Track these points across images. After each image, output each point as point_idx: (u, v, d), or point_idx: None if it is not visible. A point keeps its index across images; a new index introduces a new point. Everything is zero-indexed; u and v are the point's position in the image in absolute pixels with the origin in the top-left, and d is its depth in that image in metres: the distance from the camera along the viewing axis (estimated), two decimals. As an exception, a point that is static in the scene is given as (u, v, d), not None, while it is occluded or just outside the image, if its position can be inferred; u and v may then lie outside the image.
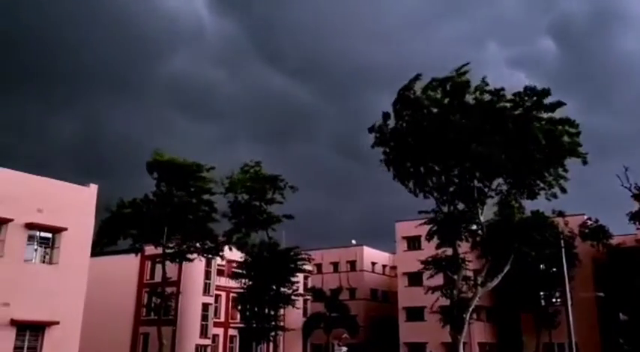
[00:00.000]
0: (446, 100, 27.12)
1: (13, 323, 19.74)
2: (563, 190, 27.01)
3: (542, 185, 27.19)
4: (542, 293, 47.24)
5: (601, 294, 38.56)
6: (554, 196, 27.19)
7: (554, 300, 47.10)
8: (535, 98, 25.95)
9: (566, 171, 26.73)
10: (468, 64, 26.71)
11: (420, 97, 27.30)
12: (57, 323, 20.73)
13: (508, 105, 26.41)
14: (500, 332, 53.49)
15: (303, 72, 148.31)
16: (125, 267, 49.79)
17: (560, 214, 32.09)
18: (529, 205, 30.79)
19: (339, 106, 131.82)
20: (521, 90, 26.24)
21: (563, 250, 29.35)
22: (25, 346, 20.24)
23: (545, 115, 26.22)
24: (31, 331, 20.45)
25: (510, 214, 28.88)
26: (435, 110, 27.18)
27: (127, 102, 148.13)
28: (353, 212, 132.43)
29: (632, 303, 47.09)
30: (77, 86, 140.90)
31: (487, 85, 26.75)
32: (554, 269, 42.64)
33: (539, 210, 32.21)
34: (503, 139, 26.10)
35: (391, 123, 28.45)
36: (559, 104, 25.78)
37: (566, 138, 25.98)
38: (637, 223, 41.68)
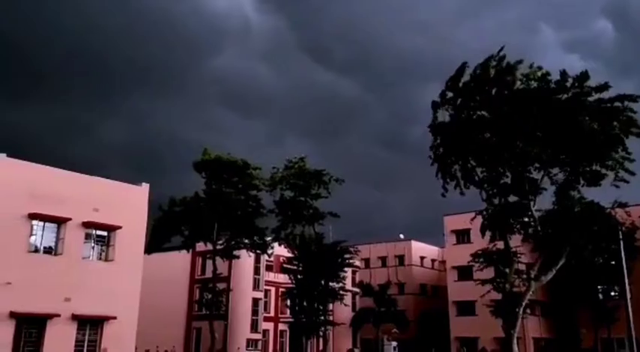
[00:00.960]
0: (493, 91, 26.34)
1: (74, 317, 20.58)
2: (630, 172, 25.64)
3: (604, 171, 25.90)
4: (599, 287, 45.61)
5: None
6: (624, 180, 25.80)
7: (612, 294, 45.39)
8: (576, 84, 24.86)
9: (629, 153, 25.37)
10: (502, 48, 25.78)
11: (468, 86, 26.59)
12: (114, 318, 21.49)
13: (555, 91, 25.33)
14: (556, 327, 52.03)
15: (349, 66, 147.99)
16: (177, 264, 51.03)
17: (621, 205, 30.63)
18: (592, 196, 29.67)
19: (386, 100, 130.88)
20: (574, 76, 25.14)
21: (621, 242, 28.15)
22: (86, 339, 21.08)
23: (594, 97, 25.06)
24: (90, 325, 21.28)
25: (570, 205, 27.77)
26: (483, 99, 26.45)
27: (175, 100, 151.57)
28: (401, 206, 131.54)
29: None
30: (127, 86, 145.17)
31: (540, 68, 25.74)
32: (613, 263, 41.11)
33: (594, 201, 30.96)
34: (553, 130, 25.10)
35: (440, 116, 27.86)
36: (606, 86, 24.60)
37: (624, 116, 24.73)
38: None
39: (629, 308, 27.01)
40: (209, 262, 42.41)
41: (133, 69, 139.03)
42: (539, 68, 25.66)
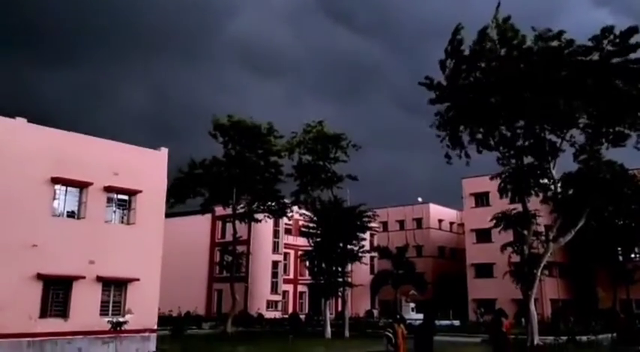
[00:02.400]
0: (502, 51, 25.72)
1: (99, 279, 21.11)
2: None
3: (628, 131, 25.40)
4: (619, 248, 45.37)
5: None
6: None
7: (632, 256, 45.17)
8: (617, 40, 23.98)
9: None
10: (499, 4, 25.13)
11: (474, 50, 26.05)
12: (137, 279, 21.99)
13: (580, 51, 24.61)
14: (574, 289, 52.12)
15: (370, 29, 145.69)
16: (198, 227, 51.93)
17: None
18: (612, 157, 29.21)
19: (407, 63, 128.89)
20: (598, 33, 24.34)
21: (643, 204, 27.83)
22: (111, 300, 21.65)
23: (629, 57, 24.28)
24: (115, 287, 21.82)
25: (595, 167, 27.36)
26: (492, 63, 25.91)
27: (194, 64, 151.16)
28: (420, 170, 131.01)
29: None
30: (147, 51, 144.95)
31: (549, 30, 25.01)
32: (634, 225, 40.74)
33: (617, 162, 30.44)
34: (578, 90, 24.50)
35: (443, 80, 27.42)
36: (638, 45, 23.80)
37: None
38: None
39: (649, 269, 26.85)
40: (229, 226, 43.00)
41: (152, 34, 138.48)
42: (549, 30, 25.01)
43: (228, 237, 42.46)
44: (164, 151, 24.82)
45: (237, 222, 39.15)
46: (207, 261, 52.60)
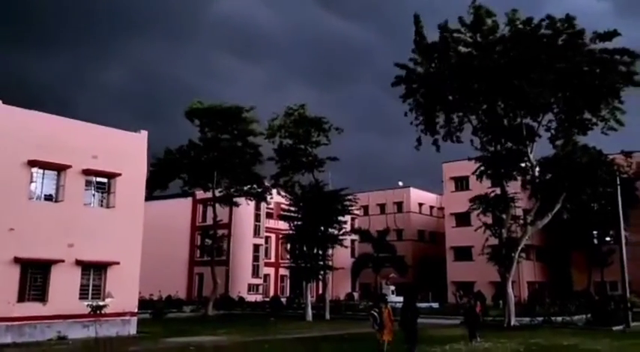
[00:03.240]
0: (478, 36, 25.94)
1: (78, 263, 20.92)
2: (620, 123, 25.75)
3: (595, 119, 25.98)
4: (594, 232, 46.30)
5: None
6: (613, 129, 25.95)
7: (607, 239, 46.13)
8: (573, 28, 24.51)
9: (621, 102, 25.37)
10: None
11: (445, 40, 26.27)
12: (117, 263, 21.85)
13: (546, 33, 24.98)
14: (550, 271, 53.17)
15: (356, 12, 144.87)
16: (178, 211, 51.70)
17: (627, 154, 30.76)
18: (589, 142, 29.77)
19: (391, 46, 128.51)
20: (560, 18, 24.77)
21: (619, 188, 28.35)
22: (90, 284, 21.51)
23: (598, 46, 24.72)
24: (94, 270, 21.66)
25: (572, 152, 27.84)
26: (465, 50, 26.15)
27: (177, 46, 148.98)
28: (402, 153, 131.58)
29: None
30: (128, 32, 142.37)
31: (530, 19, 25.32)
32: (610, 208, 41.61)
33: (594, 147, 31.00)
34: (542, 73, 24.88)
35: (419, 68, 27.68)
36: (615, 33, 24.19)
37: (622, 68, 24.51)
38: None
39: (623, 251, 27.48)
40: (210, 209, 42.90)
41: (135, 14, 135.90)
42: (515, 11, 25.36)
43: (209, 221, 42.38)
44: (144, 134, 24.55)
45: (218, 205, 39.05)
46: (188, 245, 52.47)
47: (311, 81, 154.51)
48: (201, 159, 37.14)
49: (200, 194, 46.11)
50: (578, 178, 27.49)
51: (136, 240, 23.11)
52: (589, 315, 27.88)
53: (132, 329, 22.31)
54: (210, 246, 40.36)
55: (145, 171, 24.71)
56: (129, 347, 18.06)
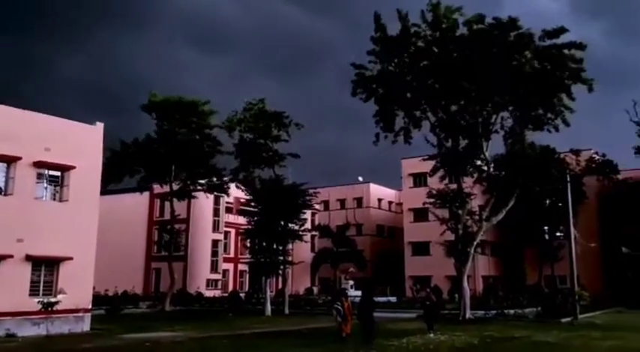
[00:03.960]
0: (437, 34, 26.39)
1: (29, 258, 20.26)
2: (566, 123, 26.66)
3: (548, 115, 26.79)
4: (546, 227, 47.82)
5: (589, 243, 39.25)
6: (556, 129, 26.89)
7: (558, 234, 47.71)
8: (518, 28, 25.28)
9: (572, 99, 26.22)
10: None
11: (403, 35, 26.62)
12: (70, 258, 21.26)
13: (496, 33, 25.64)
14: (504, 266, 54.64)
15: (319, 6, 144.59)
16: (135, 205, 50.69)
17: (575, 152, 31.93)
18: (541, 141, 30.66)
19: (354, 41, 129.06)
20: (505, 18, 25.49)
21: (569, 185, 29.33)
22: (42, 280, 20.86)
23: (547, 43, 25.50)
24: (46, 266, 21.01)
25: (521, 149, 28.64)
26: (422, 45, 26.60)
27: (136, 37, 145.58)
28: (363, 148, 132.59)
29: (635, 237, 47.72)
30: (87, 21, 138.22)
31: (482, 17, 25.87)
32: (560, 204, 43.05)
33: (548, 146, 31.96)
34: (495, 71, 25.53)
35: (375, 67, 27.98)
36: (561, 30, 24.99)
37: (571, 64, 25.34)
38: (643, 157, 41.62)
39: (572, 246, 28.47)
40: (167, 204, 42.24)
41: (92, 2, 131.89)
42: (481, 15, 25.90)
43: (167, 216, 41.72)
44: (100, 126, 23.93)
45: (176, 200, 38.46)
46: (145, 240, 51.56)
47: (273, 74, 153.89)
48: (159, 153, 36.48)
49: (158, 188, 45.29)
50: (530, 175, 28.30)
51: (90, 234, 22.55)
52: (539, 308, 28.86)
53: (85, 326, 21.78)
54: (168, 241, 39.77)
55: (100, 165, 24.12)
56: (82, 344, 17.62)
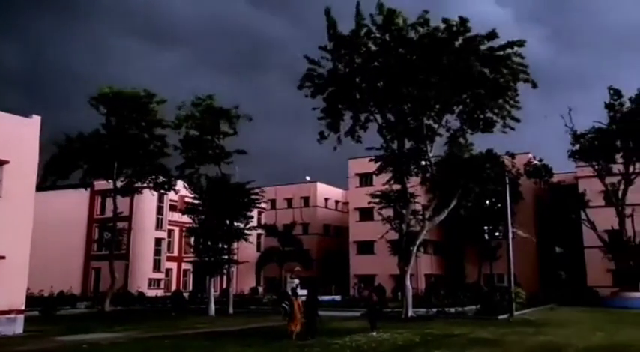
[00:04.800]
0: (387, 36, 26.83)
1: (-44, 257, 19.25)
2: (516, 120, 27.51)
3: (496, 117, 27.62)
4: (485, 227, 49.46)
5: (531, 237, 40.91)
6: (511, 127, 27.69)
7: (496, 234, 49.45)
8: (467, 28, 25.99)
9: (517, 100, 27.11)
10: None
11: (356, 35, 26.95)
12: (3, 257, 20.31)
13: (444, 36, 26.29)
14: (446, 264, 56.15)
15: (270, 2, 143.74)
16: (75, 202, 49.04)
17: (511, 155, 33.20)
18: (481, 143, 31.59)
19: (305, 39, 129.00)
20: (458, 21, 26.15)
21: (507, 187, 30.44)
22: (-29, 280, 19.85)
23: (486, 46, 26.33)
24: (-24, 265, 20.00)
25: (459, 152, 29.54)
26: (373, 48, 27.00)
27: (77, 27, 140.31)
28: (311, 148, 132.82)
29: (568, 237, 50.12)
30: (24, 7, 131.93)
31: (427, 20, 26.44)
32: (499, 205, 44.62)
33: (492, 149, 33.01)
34: (442, 76, 26.21)
35: (326, 65, 28.18)
36: (494, 34, 25.87)
37: (514, 61, 26.22)
38: (576, 161, 43.79)
39: (510, 246, 29.57)
40: (109, 201, 41.03)
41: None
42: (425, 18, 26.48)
43: (109, 213, 40.49)
44: (36, 119, 22.94)
45: (118, 197, 37.37)
46: (84, 238, 49.92)
47: (223, 70, 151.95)
48: (104, 148, 35.26)
49: (99, 184, 43.92)
50: (470, 177, 29.19)
51: (24, 232, 21.59)
52: (478, 306, 29.84)
53: (18, 328, 20.83)
54: (109, 239, 38.60)
55: (36, 159, 23.11)
56: (15, 347, 16.87)
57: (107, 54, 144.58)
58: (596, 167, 41.60)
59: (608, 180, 41.55)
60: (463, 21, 25.70)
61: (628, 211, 40.42)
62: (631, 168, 40.44)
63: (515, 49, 25.92)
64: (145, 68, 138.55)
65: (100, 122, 35.65)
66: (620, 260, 40.84)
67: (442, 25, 26.11)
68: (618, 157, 40.85)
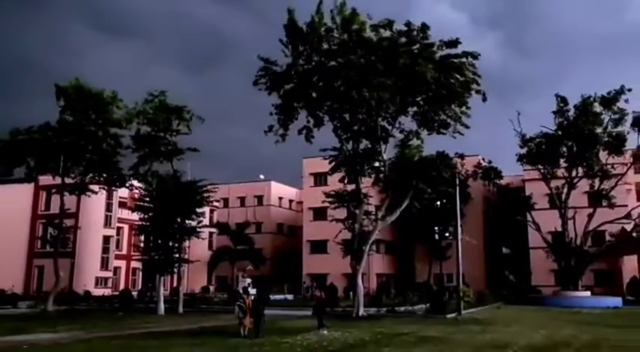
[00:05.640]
0: (345, 36, 26.99)
1: None
2: (466, 126, 28.20)
3: (449, 120, 28.20)
4: (436, 228, 50.45)
5: (473, 241, 42.04)
6: (460, 133, 28.33)
7: (447, 235, 50.52)
8: (426, 34, 26.42)
9: (468, 107, 27.80)
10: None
11: (314, 32, 27.00)
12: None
13: (403, 40, 26.64)
14: (397, 264, 56.98)
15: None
16: (17, 198, 47.22)
17: (461, 156, 33.96)
18: (433, 145, 32.18)
19: (264, 36, 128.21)
20: (417, 26, 26.53)
21: (457, 188, 31.11)
22: None
23: (444, 52, 26.82)
24: None
25: (410, 154, 30.04)
26: (332, 47, 27.12)
27: (31, 16, 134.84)
28: (266, 146, 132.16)
29: (514, 238, 51.74)
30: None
31: (391, 22, 26.70)
32: (449, 206, 45.67)
33: (444, 151, 33.62)
34: (397, 79, 26.57)
35: (284, 61, 28.15)
36: (456, 42, 26.42)
37: (468, 72, 26.83)
38: (523, 165, 45.26)
39: (459, 246, 30.25)
40: (55, 197, 39.62)
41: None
42: (390, 20, 26.76)
43: (54, 210, 39.10)
44: (-23, 110, 21.93)
45: (66, 193, 36.11)
46: (27, 235, 48.07)
47: (179, 65, 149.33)
48: (53, 143, 33.94)
49: (44, 180, 42.36)
50: (421, 177, 29.71)
51: (-38, 228, 20.62)
52: (428, 305, 30.41)
53: (-47, 329, 19.86)
54: (54, 236, 37.24)
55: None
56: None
57: (62, 44, 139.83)
58: (542, 171, 43.05)
59: (553, 183, 43.08)
60: (424, 28, 26.04)
61: (570, 214, 42.05)
62: (574, 173, 42.08)
63: (470, 59, 26.51)
64: (100, 60, 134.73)
65: (46, 113, 34.51)
66: (562, 260, 42.43)
67: (404, 28, 26.33)
68: (563, 162, 42.43)
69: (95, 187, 37.41)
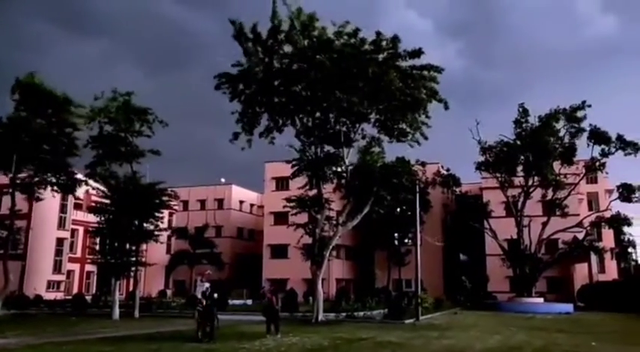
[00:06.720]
0: (305, 42, 27.02)
1: None
2: (425, 137, 28.64)
3: (408, 129, 28.54)
4: (396, 234, 51.04)
5: (435, 241, 42.69)
6: (417, 142, 28.74)
7: (406, 241, 51.15)
8: (390, 45, 26.70)
9: (428, 117, 28.22)
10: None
11: (272, 38, 27.00)
12: None
13: (369, 48, 26.87)
14: (357, 269, 57.33)
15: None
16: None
17: (422, 164, 34.48)
18: (397, 152, 32.53)
19: (228, 39, 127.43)
20: (388, 37, 26.78)
21: (417, 195, 31.52)
22: None
23: (408, 63, 27.15)
24: None
25: (371, 160, 30.29)
26: (294, 51, 27.16)
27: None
28: (228, 149, 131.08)
29: (472, 245, 52.81)
30: None
31: (357, 31, 26.86)
32: (409, 213, 46.22)
33: (404, 157, 33.99)
34: (364, 85, 26.78)
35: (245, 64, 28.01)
36: (420, 52, 26.80)
37: (430, 83, 27.25)
38: (481, 173, 46.30)
39: (418, 252, 30.62)
40: (5, 197, 38.21)
41: None
42: (350, 25, 26.88)
43: (4, 210, 37.68)
44: None
45: (17, 193, 34.82)
46: (-25, 236, 46.08)
47: (142, 65, 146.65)
48: (4, 139, 32.66)
49: (-5, 179, 40.82)
50: (382, 184, 29.98)
51: None
52: (386, 310, 30.64)
53: None
54: (4, 238, 35.84)
55: None
56: None
57: (23, 39, 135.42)
58: (500, 179, 44.11)
59: (510, 191, 44.20)
60: (394, 40, 26.29)
61: (526, 222, 43.19)
62: (530, 182, 43.29)
63: (432, 73, 26.92)
64: (62, 57, 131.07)
65: (8, 110, 33.17)
66: (517, 267, 43.50)
67: (372, 38, 26.50)
68: (520, 171, 43.58)
69: (47, 193, 36.07)
